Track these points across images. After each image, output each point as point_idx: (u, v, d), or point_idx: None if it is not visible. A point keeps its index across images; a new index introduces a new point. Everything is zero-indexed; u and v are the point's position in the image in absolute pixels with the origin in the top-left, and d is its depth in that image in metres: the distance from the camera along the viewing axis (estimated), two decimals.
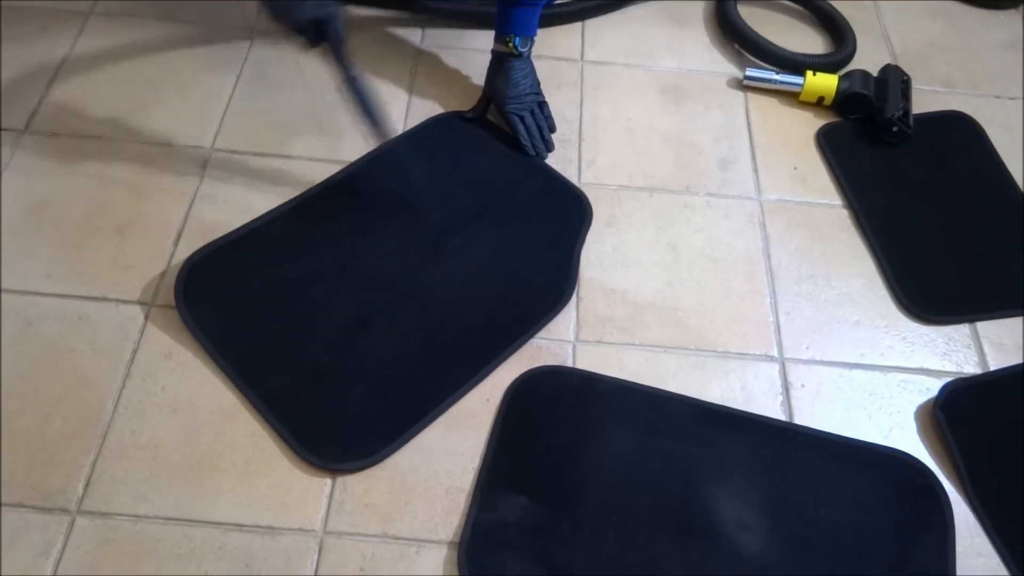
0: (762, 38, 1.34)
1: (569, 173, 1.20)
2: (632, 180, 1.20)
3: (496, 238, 1.10)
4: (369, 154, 1.17)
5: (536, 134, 1.20)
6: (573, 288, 1.08)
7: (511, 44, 1.16)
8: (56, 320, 1.01)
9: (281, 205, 1.10)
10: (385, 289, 1.04)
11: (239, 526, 0.88)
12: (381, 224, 1.09)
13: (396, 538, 0.89)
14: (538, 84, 1.22)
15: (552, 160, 1.21)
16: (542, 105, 1.22)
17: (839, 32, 1.39)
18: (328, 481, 0.92)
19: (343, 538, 0.89)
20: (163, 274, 1.05)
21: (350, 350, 0.99)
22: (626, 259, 1.12)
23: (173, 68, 1.26)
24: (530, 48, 1.18)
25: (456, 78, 1.29)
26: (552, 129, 1.22)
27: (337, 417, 0.94)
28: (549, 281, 1.07)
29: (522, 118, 1.20)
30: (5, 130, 1.17)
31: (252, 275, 1.03)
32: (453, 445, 0.95)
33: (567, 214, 1.15)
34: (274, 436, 0.94)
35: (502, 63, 1.19)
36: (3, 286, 1.03)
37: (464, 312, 1.03)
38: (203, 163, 1.16)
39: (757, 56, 1.35)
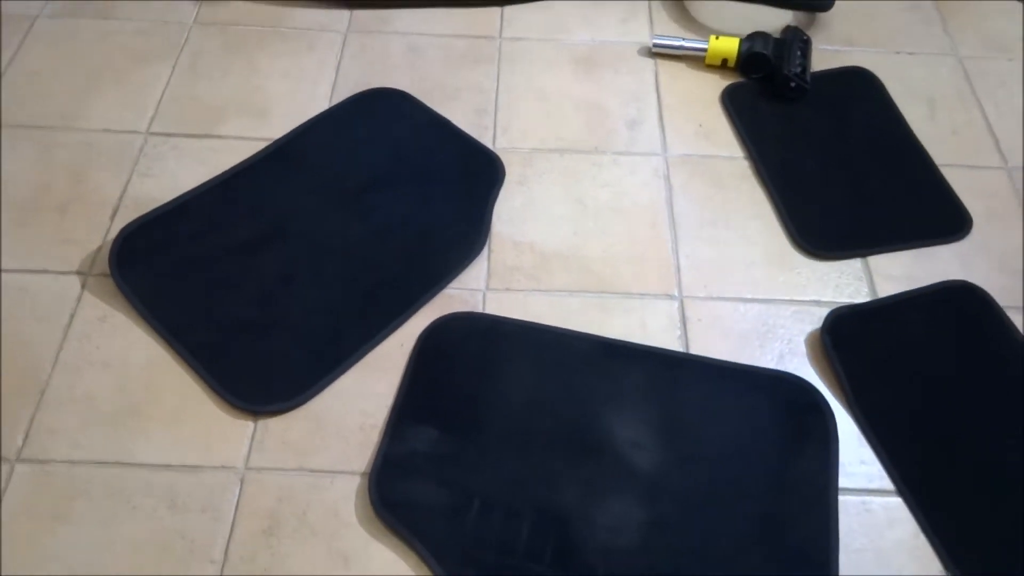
0: None
1: (484, 139, 1.27)
2: (544, 143, 1.27)
3: (413, 197, 1.17)
4: (293, 130, 1.24)
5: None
6: (485, 240, 1.14)
7: None
8: None
9: (209, 180, 1.18)
10: (308, 247, 1.11)
11: (166, 466, 0.95)
12: (304, 190, 1.16)
13: (312, 471, 0.95)
14: None
15: (468, 127, 1.28)
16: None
17: None
18: (250, 424, 0.98)
19: (263, 472, 0.95)
20: (99, 247, 1.12)
21: (273, 303, 1.05)
22: (535, 214, 1.19)
23: (112, 61, 1.34)
24: None
25: (377, 58, 1.37)
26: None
27: (261, 365, 1.01)
28: (462, 234, 1.14)
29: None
30: None
31: (181, 243, 1.10)
32: (368, 387, 1.01)
33: (481, 174, 1.22)
34: (200, 384, 1.00)
35: None
36: None
37: (382, 265, 1.10)
38: (139, 146, 1.24)
39: None
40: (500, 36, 1.42)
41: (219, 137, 1.25)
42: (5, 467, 0.94)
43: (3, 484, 0.93)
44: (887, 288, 1.13)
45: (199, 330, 1.03)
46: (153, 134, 1.25)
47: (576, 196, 1.21)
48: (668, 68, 1.39)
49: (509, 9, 1.46)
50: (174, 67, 1.34)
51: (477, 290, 1.10)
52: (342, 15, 1.43)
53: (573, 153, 1.26)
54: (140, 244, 1.10)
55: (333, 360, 1.02)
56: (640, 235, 1.17)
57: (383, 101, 1.29)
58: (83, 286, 1.09)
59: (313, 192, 1.16)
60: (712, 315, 1.09)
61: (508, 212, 1.19)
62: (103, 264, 1.10)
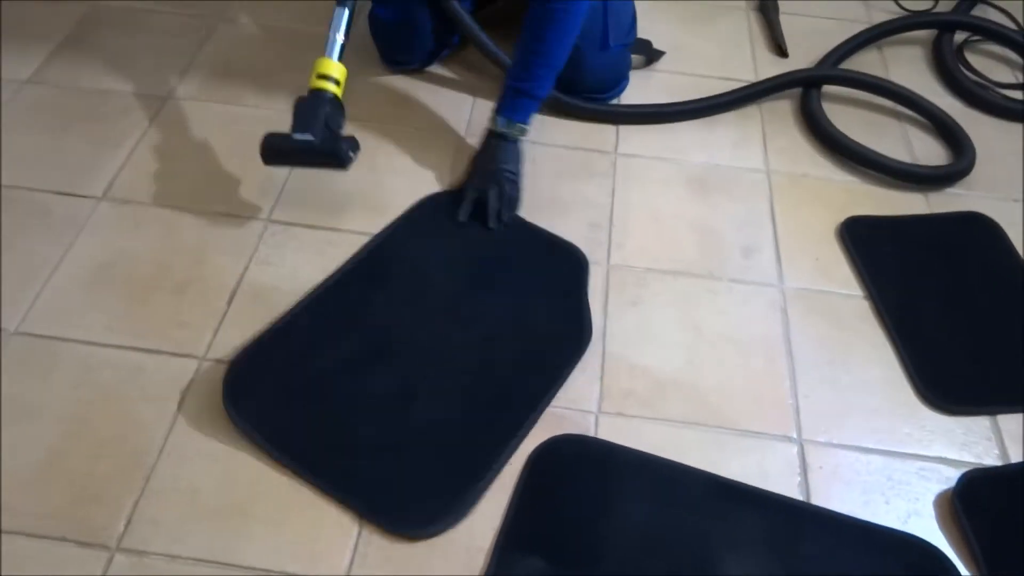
0: (870, 150, 1.39)
1: (598, 255, 1.26)
2: (657, 263, 1.26)
3: (507, 299, 1.17)
4: (377, 236, 1.24)
5: (493, 204, 1.26)
6: (590, 333, 1.14)
7: (494, 120, 1.27)
8: (113, 368, 1.08)
9: (303, 299, 1.15)
10: (418, 358, 1.09)
11: (267, 571, 0.92)
12: (399, 300, 1.16)
13: None
14: (516, 170, 1.29)
15: (581, 241, 1.27)
16: (512, 186, 1.28)
17: (955, 139, 1.43)
18: (354, 532, 0.95)
19: None
20: (215, 331, 1.13)
21: (396, 422, 1.03)
22: (650, 337, 1.16)
23: (238, 147, 1.38)
24: (512, 132, 1.27)
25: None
26: (511, 209, 1.27)
27: (400, 486, 0.98)
28: (566, 330, 1.14)
29: (479, 195, 1.26)
30: (84, 197, 1.28)
31: (291, 370, 1.07)
32: (477, 506, 0.98)
33: (566, 266, 1.22)
34: (305, 487, 0.98)
35: (487, 138, 1.30)
36: (68, 336, 1.11)
37: (494, 375, 1.08)
38: (260, 233, 1.25)
39: (864, 166, 1.40)
40: (615, 151, 1.43)
41: (336, 230, 1.26)
42: (104, 555, 0.92)
43: (102, 573, 0.90)
44: (1018, 452, 1.07)
45: (330, 459, 1.00)
46: (274, 221, 1.27)
47: (691, 321, 1.19)
48: (784, 196, 1.38)
49: (624, 127, 1.48)
50: None
51: (589, 412, 1.08)
52: (463, 113, 1.45)
53: (688, 276, 1.25)
54: (250, 378, 1.06)
55: (472, 477, 0.99)
56: (756, 369, 1.14)
57: (449, 203, 1.29)
58: (196, 370, 1.08)
59: (407, 301, 1.16)
60: (833, 463, 1.05)
61: (622, 333, 1.17)
62: (218, 349, 1.10)
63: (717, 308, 1.21)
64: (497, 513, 0.97)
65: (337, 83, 1.20)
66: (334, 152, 1.18)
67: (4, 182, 1.29)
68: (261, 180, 1.32)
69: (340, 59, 1.21)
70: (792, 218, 1.34)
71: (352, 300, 1.16)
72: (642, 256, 1.27)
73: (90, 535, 0.93)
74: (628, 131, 1.47)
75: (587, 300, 1.18)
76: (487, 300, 1.16)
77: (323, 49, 1.21)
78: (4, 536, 0.92)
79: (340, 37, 1.21)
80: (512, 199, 1.28)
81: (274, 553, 0.93)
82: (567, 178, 1.38)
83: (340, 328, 1.12)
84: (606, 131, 1.47)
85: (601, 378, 1.11)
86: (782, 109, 1.53)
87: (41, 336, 1.11)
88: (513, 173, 1.29)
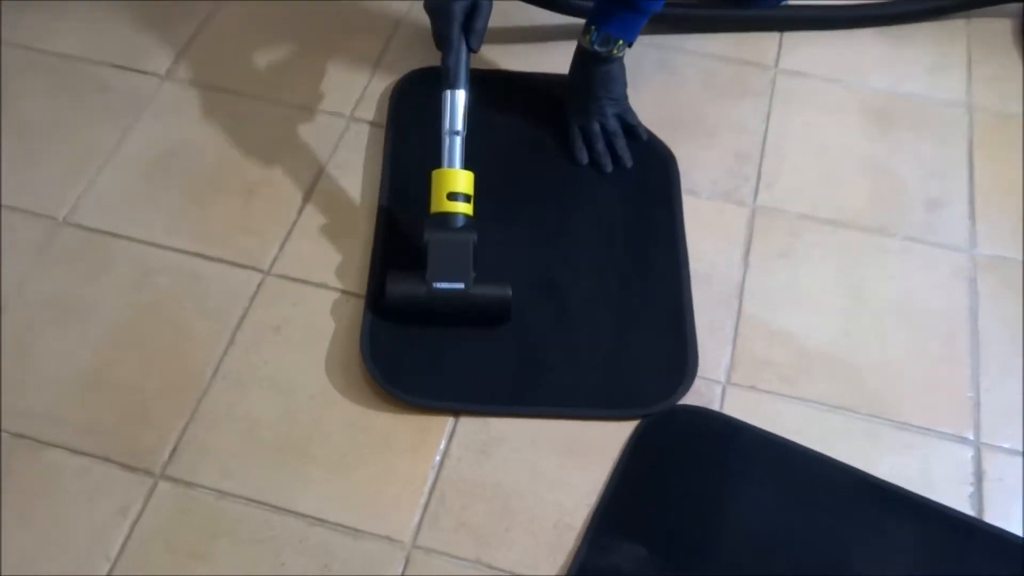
0: None
1: (743, 193, 1.23)
2: (816, 209, 1.22)
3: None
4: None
5: (601, 147, 1.23)
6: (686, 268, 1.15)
7: (588, 38, 1.21)
8: (169, 274, 1.12)
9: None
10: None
11: (323, 521, 0.95)
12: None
13: (491, 567, 0.93)
14: (624, 94, 1.25)
15: (723, 175, 1.25)
16: (622, 116, 1.25)
17: None
18: (426, 489, 0.97)
19: (432, 555, 0.93)
20: (283, 242, 1.16)
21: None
22: (798, 298, 1.13)
23: (324, 29, 1.39)
24: (614, 51, 1.21)
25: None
26: (639, 137, 1.25)
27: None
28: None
29: (585, 129, 1.24)
30: (147, 73, 1.33)
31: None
32: (569, 475, 0.99)
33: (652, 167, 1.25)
34: (378, 430, 1.01)
35: (581, 60, 1.25)
36: (122, 233, 1.16)
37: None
38: (340, 133, 1.27)
39: None
40: (775, 66, 1.38)
41: None
42: (148, 481, 0.97)
43: (144, 502, 0.96)
44: None
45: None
46: (357, 120, 1.29)
47: (852, 285, 1.15)
48: (988, 138, 1.30)
49: (789, 35, 1.42)
50: (388, 41, 1.38)
51: (715, 381, 1.06)
52: None
53: (853, 229, 1.20)
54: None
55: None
56: (930, 350, 1.09)
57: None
58: (259, 285, 1.12)
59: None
60: (1016, 474, 1.00)
61: (764, 290, 1.14)
62: (286, 264, 1.13)
63: (887, 271, 1.16)
64: (593, 488, 0.98)
65: (468, 200, 1.09)
66: (497, 308, 1.07)
67: (59, 50, 1.35)
68: (346, 69, 1.34)
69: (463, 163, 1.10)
70: (995, 167, 1.27)
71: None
72: (798, 199, 1.23)
73: (134, 457, 0.98)
74: (793, 41, 1.41)
75: (681, 217, 1.19)
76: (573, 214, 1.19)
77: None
78: (45, 449, 0.98)
79: (459, 129, 1.09)
80: (636, 130, 1.26)
81: (333, 501, 0.96)
82: (713, 95, 1.34)
83: None
84: (766, 40, 1.41)
85: (734, 341, 1.09)
86: (997, 29, 1.44)
87: (93, 230, 1.16)
88: (615, 100, 1.25)
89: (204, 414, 1.02)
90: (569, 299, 1.12)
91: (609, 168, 1.23)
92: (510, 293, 1.07)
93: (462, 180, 1.09)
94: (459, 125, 1.09)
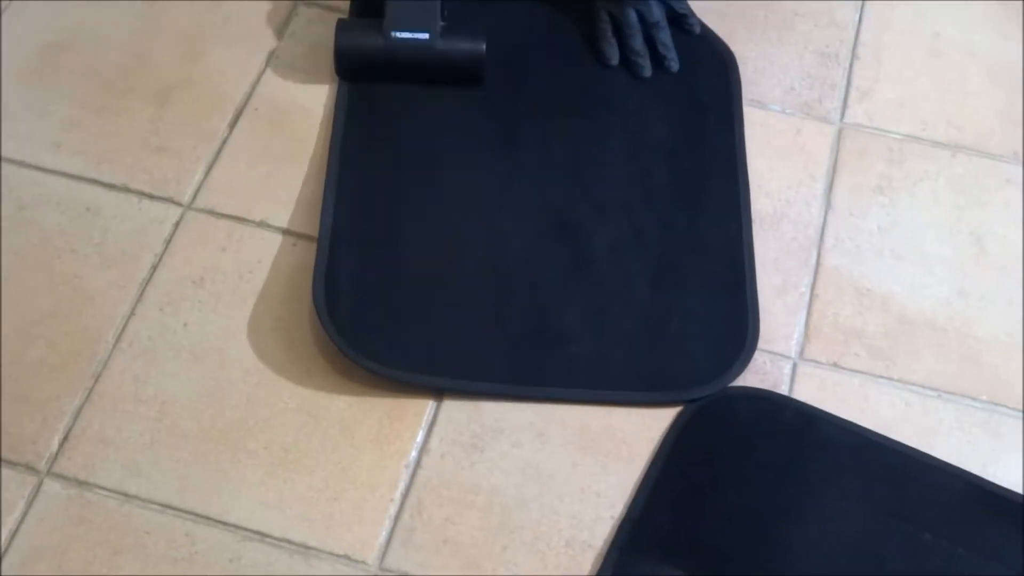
0: None
1: (827, 106, 1.24)
2: (927, 129, 1.23)
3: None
4: None
5: (638, 43, 1.24)
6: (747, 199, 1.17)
7: None
8: (58, 208, 1.14)
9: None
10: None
11: (261, 535, 0.97)
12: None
13: None
14: None
15: (802, 81, 1.25)
16: (667, 3, 1.27)
17: None
18: (397, 495, 0.99)
19: None
20: (209, 165, 1.17)
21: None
22: (899, 247, 1.15)
23: None
24: None
25: None
26: (691, 29, 1.28)
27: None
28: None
29: (617, 18, 1.25)
30: None
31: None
32: (588, 478, 1.01)
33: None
34: (328, 415, 1.03)
35: None
36: None
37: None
38: (285, 17, 1.28)
39: None
40: None
41: None
42: (31, 480, 0.99)
43: (25, 506, 0.98)
44: None
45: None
46: (311, 2, 1.30)
47: (971, 230, 1.16)
48: None
49: None
50: None
51: (784, 356, 1.08)
52: None
53: (975, 154, 1.21)
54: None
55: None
56: None
57: None
58: (177, 223, 1.13)
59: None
60: None
61: (852, 236, 1.15)
62: (212, 196, 1.15)
63: (1019, 212, 1.18)
64: (620, 496, 1.00)
65: None
66: (467, 65, 1.21)
67: None
68: None
69: None
70: None
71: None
72: (901, 115, 1.24)
73: (11, 450, 1.00)
74: None
75: (742, 139, 1.20)
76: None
77: None
78: None
79: None
80: (687, 19, 1.28)
81: (274, 509, 0.98)
82: None
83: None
84: None
85: (810, 305, 1.11)
86: None
87: None
88: None
89: (103, 394, 1.04)
90: (593, 247, 1.14)
91: (648, 72, 1.24)
92: (484, 47, 1.19)
93: None
94: None
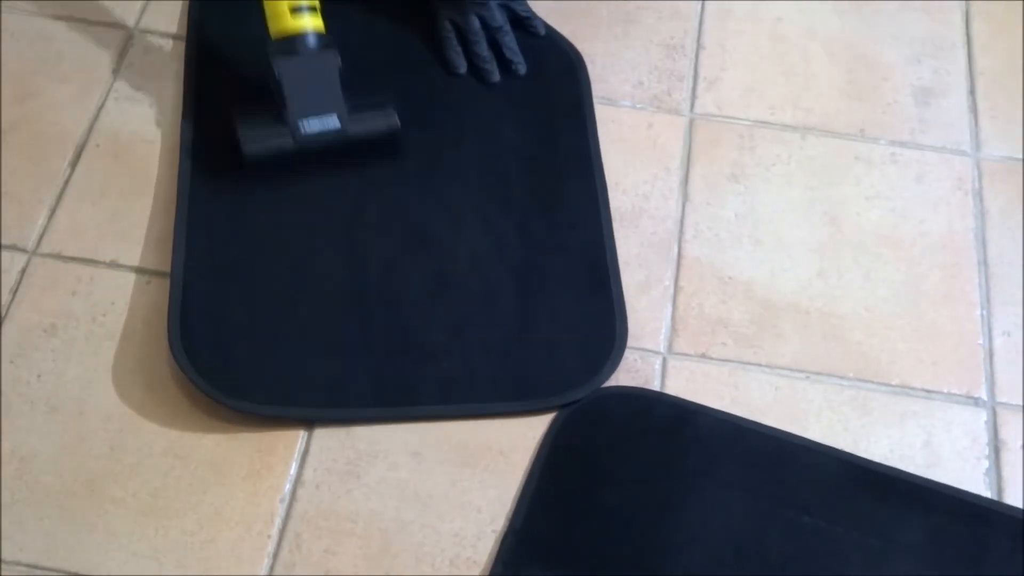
0: None
1: (676, 97, 1.25)
2: (776, 113, 1.25)
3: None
4: None
5: (483, 49, 1.25)
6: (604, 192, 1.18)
7: None
8: None
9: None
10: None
11: None
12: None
13: None
14: None
15: (650, 73, 1.27)
16: (508, 3, 1.27)
17: None
18: (274, 530, 0.97)
19: None
20: (52, 210, 1.13)
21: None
22: (757, 233, 1.16)
23: None
24: None
25: None
26: (535, 31, 1.28)
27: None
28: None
29: (459, 25, 1.25)
30: None
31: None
32: (467, 494, 1.00)
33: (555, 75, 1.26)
34: (196, 456, 1.00)
35: None
36: None
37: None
38: (122, 46, 1.26)
39: None
40: None
41: None
42: None
43: None
44: None
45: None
46: (144, 31, 1.27)
47: (826, 210, 1.18)
48: (989, 6, 1.34)
49: None
50: None
51: (653, 352, 1.08)
52: None
53: (824, 135, 1.24)
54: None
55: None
56: (929, 289, 1.14)
57: None
58: (23, 271, 1.10)
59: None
60: None
61: (711, 226, 1.16)
62: (61, 239, 1.12)
63: (869, 188, 1.20)
64: (500, 509, 0.99)
65: (314, 10, 1.14)
66: (383, 131, 1.16)
67: None
68: None
69: None
70: (1001, 43, 1.32)
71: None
72: (749, 100, 1.26)
73: None
74: None
75: (595, 137, 1.21)
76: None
77: None
78: None
79: None
80: (530, 22, 1.28)
81: (147, 558, 0.96)
82: None
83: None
84: None
85: (674, 298, 1.12)
86: None
87: None
88: None
89: None
90: (450, 257, 1.13)
91: (497, 77, 1.24)
92: (396, 118, 1.14)
93: None
94: None
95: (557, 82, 1.25)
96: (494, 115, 1.22)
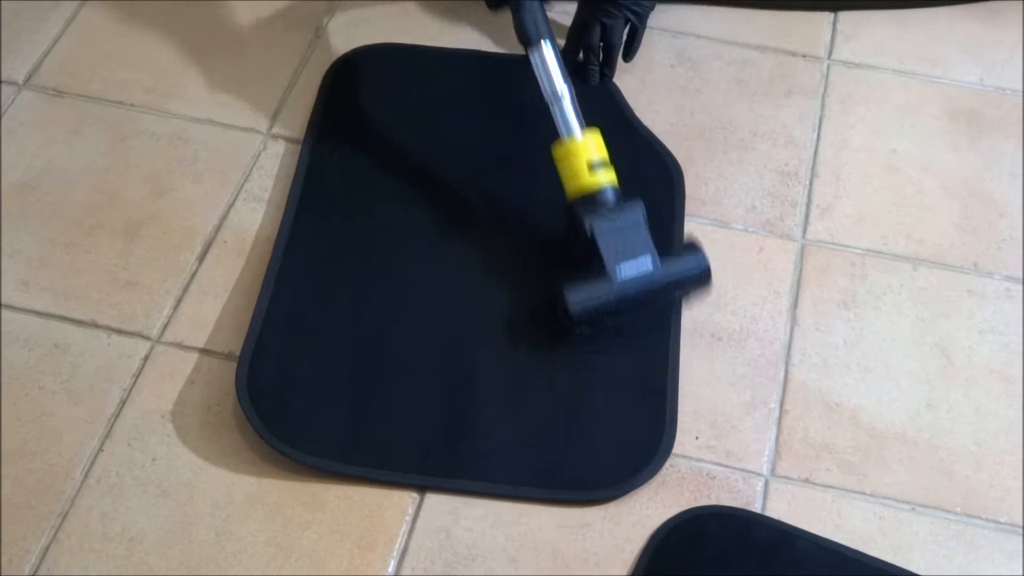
0: None
1: (788, 224, 1.26)
2: (888, 243, 1.25)
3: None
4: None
5: (594, 52, 1.34)
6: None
7: None
8: (26, 345, 1.15)
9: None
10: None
11: None
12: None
13: None
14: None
15: (763, 197, 1.29)
16: (632, 25, 1.36)
17: None
18: None
19: None
20: (178, 300, 1.18)
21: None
22: (865, 361, 1.16)
23: (233, 25, 1.44)
24: None
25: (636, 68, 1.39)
26: (628, 54, 1.38)
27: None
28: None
29: (587, 24, 1.35)
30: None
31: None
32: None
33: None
34: (298, 546, 1.02)
35: None
36: None
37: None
38: (256, 153, 1.31)
39: None
40: (828, 56, 1.43)
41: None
42: None
43: None
44: None
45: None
46: (276, 136, 1.33)
47: (936, 341, 1.18)
48: None
49: (847, 15, 1.47)
50: (317, 32, 1.42)
51: (756, 474, 1.08)
52: None
53: (936, 267, 1.24)
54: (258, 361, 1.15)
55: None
56: None
57: None
58: (146, 358, 1.14)
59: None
60: None
61: (820, 351, 1.17)
62: (181, 330, 1.16)
63: (982, 322, 1.19)
64: None
65: (608, 165, 1.17)
66: (695, 270, 1.16)
67: None
68: (260, 75, 1.39)
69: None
70: None
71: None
72: (862, 230, 1.26)
73: None
74: (852, 21, 1.46)
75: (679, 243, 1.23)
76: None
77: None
78: None
79: (560, 90, 1.18)
80: (635, 41, 1.37)
81: None
82: (748, 96, 1.38)
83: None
84: (815, 21, 1.46)
85: (779, 421, 1.12)
86: None
87: None
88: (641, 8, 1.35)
89: (71, 532, 1.03)
90: (519, 350, 1.17)
91: (595, 78, 1.36)
92: (706, 258, 1.15)
93: (593, 146, 1.16)
94: (558, 86, 1.17)
95: (653, 193, 1.25)
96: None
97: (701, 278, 1.16)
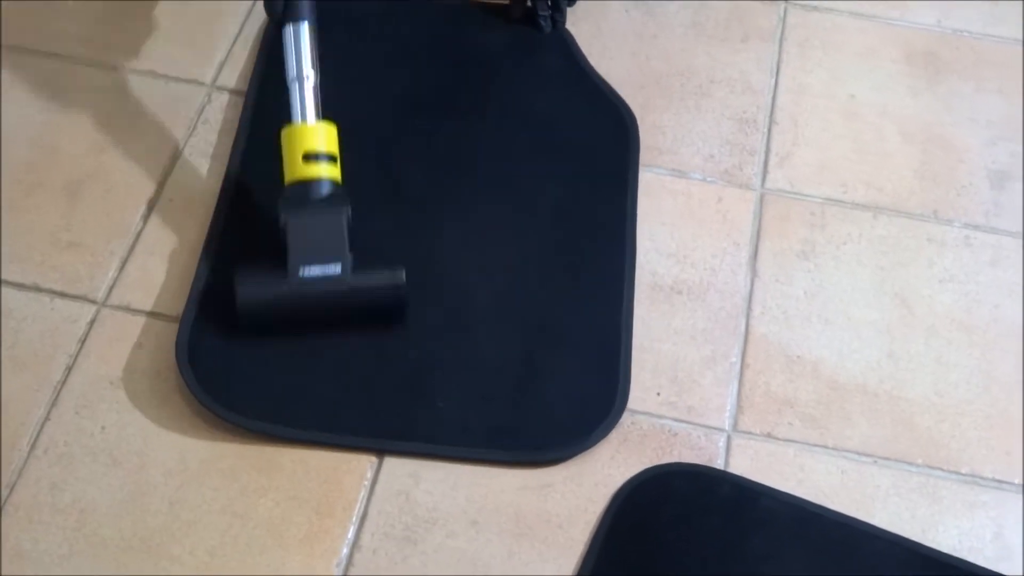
0: None
1: (747, 172, 1.25)
2: (848, 191, 1.24)
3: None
4: None
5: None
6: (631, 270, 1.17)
7: None
8: None
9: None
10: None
11: None
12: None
13: None
14: None
15: (720, 146, 1.27)
16: None
17: None
18: None
19: None
20: (123, 261, 1.15)
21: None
22: (826, 312, 1.15)
23: None
24: None
25: (589, 16, 1.37)
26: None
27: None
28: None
29: None
30: None
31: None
32: (524, 568, 0.99)
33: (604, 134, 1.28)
34: (254, 514, 1.01)
35: None
36: None
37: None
38: (200, 106, 1.28)
39: None
40: None
41: None
42: None
43: None
44: None
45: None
46: (221, 88, 1.30)
47: (897, 291, 1.17)
48: None
49: None
50: None
51: (718, 430, 1.07)
52: None
53: (896, 215, 1.23)
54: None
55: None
56: (1002, 375, 1.12)
57: None
58: (91, 322, 1.11)
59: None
60: None
61: (780, 303, 1.16)
62: (127, 291, 1.13)
63: (942, 271, 1.19)
64: None
65: (333, 160, 1.13)
66: (386, 299, 1.12)
67: None
68: (204, 25, 1.35)
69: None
70: None
71: None
72: (821, 178, 1.25)
73: None
74: None
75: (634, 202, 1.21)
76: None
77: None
78: None
79: (307, 72, 1.13)
80: None
81: None
82: (705, 40, 1.36)
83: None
84: None
85: (740, 376, 1.11)
86: None
87: None
88: None
89: (19, 503, 1.01)
90: (470, 300, 1.16)
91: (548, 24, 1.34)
92: (403, 275, 1.10)
93: (321, 136, 1.12)
94: (307, 68, 1.12)
95: (606, 142, 1.26)
96: (537, 169, 1.25)
97: (394, 293, 1.10)
